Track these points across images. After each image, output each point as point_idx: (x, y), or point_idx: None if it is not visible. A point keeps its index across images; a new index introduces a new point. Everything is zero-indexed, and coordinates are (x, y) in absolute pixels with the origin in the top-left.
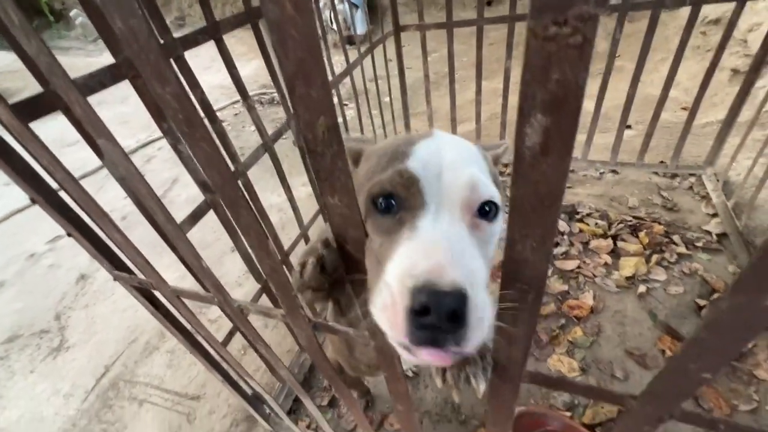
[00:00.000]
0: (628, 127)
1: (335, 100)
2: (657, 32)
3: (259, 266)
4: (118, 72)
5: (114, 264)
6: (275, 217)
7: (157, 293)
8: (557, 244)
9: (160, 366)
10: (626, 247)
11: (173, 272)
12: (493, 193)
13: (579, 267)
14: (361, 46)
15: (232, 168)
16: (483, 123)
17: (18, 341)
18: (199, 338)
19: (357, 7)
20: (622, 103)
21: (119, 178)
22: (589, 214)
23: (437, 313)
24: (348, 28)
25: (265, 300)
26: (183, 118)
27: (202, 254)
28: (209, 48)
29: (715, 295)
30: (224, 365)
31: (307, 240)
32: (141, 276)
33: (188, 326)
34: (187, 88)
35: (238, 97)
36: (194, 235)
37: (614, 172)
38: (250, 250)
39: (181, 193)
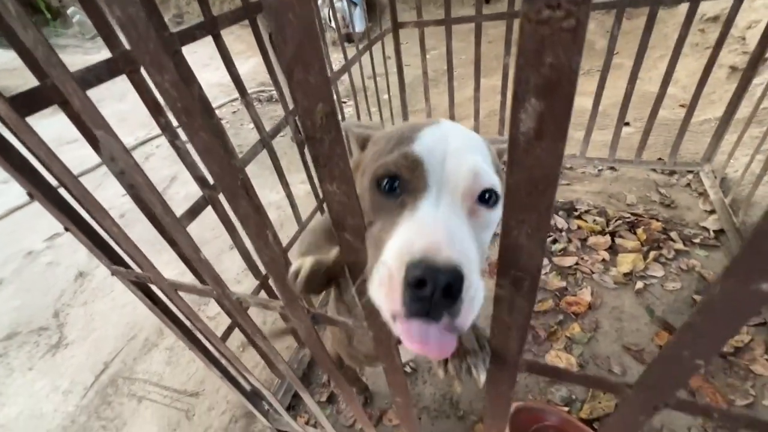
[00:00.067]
0: (627, 124)
1: (333, 97)
2: (655, 29)
3: (257, 259)
4: (115, 66)
5: (112, 259)
6: (273, 215)
7: (155, 288)
8: (555, 241)
9: (159, 363)
10: (624, 243)
11: (172, 269)
12: (494, 181)
13: (577, 263)
14: (360, 44)
15: None
16: (482, 120)
17: (16, 338)
18: (198, 334)
19: (355, 4)
20: (621, 101)
21: (118, 173)
22: (587, 211)
23: (432, 283)
24: (346, 25)
25: (263, 296)
26: (181, 107)
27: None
28: (207, 46)
29: None
30: (223, 361)
31: None
32: (138, 270)
33: (187, 322)
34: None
35: (237, 95)
36: (192, 232)
37: (612, 169)
38: (248, 245)
39: (180, 191)
